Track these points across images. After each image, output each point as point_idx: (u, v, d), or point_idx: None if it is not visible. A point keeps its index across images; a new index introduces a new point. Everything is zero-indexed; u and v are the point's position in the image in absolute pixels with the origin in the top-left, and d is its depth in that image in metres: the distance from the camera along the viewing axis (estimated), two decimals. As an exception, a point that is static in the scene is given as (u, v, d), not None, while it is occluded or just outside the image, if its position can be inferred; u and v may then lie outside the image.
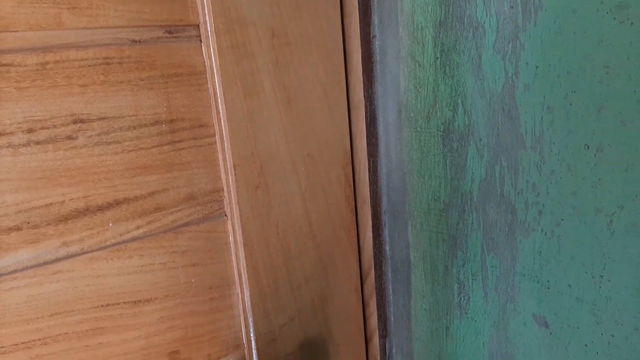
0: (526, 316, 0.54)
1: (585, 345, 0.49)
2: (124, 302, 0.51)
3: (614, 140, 0.43)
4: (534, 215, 0.51)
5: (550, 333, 0.52)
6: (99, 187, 0.48)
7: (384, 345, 0.73)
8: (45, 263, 0.47)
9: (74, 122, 0.46)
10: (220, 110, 0.53)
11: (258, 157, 0.55)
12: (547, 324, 0.52)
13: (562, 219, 0.48)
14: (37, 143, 0.45)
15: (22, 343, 0.47)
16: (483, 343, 0.60)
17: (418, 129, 0.60)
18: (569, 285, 0.49)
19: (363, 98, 0.63)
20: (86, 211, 0.48)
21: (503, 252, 0.54)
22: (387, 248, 0.69)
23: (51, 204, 0.46)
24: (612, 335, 0.47)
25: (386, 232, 0.69)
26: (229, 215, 0.56)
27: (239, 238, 0.56)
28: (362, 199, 0.66)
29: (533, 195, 0.50)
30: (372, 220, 0.67)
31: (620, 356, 0.47)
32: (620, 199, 0.44)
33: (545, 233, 0.50)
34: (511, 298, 0.55)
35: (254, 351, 0.60)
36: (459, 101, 0.55)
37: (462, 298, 0.61)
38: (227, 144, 0.53)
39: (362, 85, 0.63)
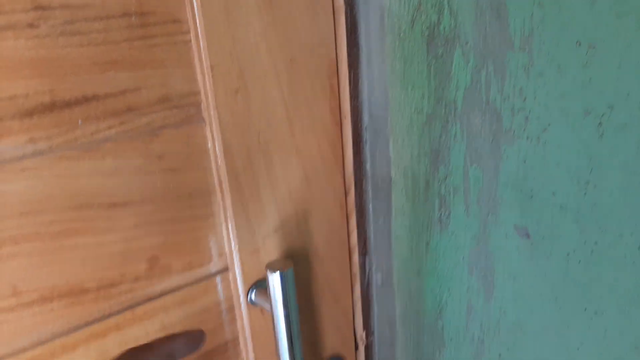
0: (507, 227, 0.49)
1: (567, 254, 0.44)
2: (98, 205, 0.45)
3: (608, 34, 0.37)
4: (520, 121, 0.44)
5: (532, 243, 0.47)
6: (65, 82, 0.41)
7: (364, 263, 0.67)
8: (12, 159, 0.40)
9: (35, 8, 0.38)
10: (195, 5, 0.45)
11: (237, 59, 0.48)
12: (528, 234, 0.47)
13: (549, 124, 0.42)
14: (-4, 30, 0.37)
15: (-10, 241, 0.41)
16: (463, 257, 0.54)
17: (402, 35, 0.53)
18: (553, 193, 0.44)
19: (343, 3, 0.55)
20: (53, 106, 0.41)
21: (487, 162, 0.48)
22: (368, 166, 0.63)
23: (15, 96, 0.39)
24: (596, 243, 0.42)
25: (367, 149, 0.62)
26: (207, 121, 0.49)
27: (218, 145, 0.49)
28: (343, 114, 0.59)
29: (520, 100, 0.44)
30: (353, 136, 0.60)
31: (603, 264, 0.42)
32: (611, 98, 0.38)
33: (531, 140, 0.44)
34: (493, 210, 0.49)
35: (237, 261, 0.54)
36: (445, 2, 0.47)
37: (443, 213, 0.55)
38: (202, 43, 0.45)
39: (341, -12, 0.54)
